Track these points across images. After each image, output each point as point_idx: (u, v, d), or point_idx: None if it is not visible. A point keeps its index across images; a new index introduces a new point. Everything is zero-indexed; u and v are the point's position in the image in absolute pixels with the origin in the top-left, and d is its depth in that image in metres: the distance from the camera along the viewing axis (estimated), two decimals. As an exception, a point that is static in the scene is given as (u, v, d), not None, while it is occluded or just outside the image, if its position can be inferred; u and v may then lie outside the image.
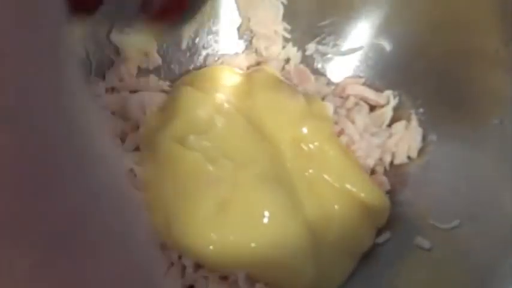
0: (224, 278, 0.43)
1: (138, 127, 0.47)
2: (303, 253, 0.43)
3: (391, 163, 0.50)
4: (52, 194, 0.15)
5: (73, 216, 0.16)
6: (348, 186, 0.47)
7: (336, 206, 0.46)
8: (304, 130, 0.48)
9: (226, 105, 0.48)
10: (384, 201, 0.47)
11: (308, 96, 0.50)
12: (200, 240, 0.42)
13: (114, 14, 0.26)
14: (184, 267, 0.43)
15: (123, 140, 0.47)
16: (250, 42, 0.53)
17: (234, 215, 0.42)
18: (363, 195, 0.46)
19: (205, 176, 0.43)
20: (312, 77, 0.53)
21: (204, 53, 0.52)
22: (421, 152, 0.49)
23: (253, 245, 0.42)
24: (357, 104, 0.52)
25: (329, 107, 0.51)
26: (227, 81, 0.50)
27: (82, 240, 0.16)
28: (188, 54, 0.52)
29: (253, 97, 0.49)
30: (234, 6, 0.53)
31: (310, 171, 0.47)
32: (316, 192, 0.46)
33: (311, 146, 0.47)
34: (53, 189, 0.15)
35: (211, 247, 0.42)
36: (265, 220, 0.43)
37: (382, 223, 0.47)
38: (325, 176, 0.47)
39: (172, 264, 0.43)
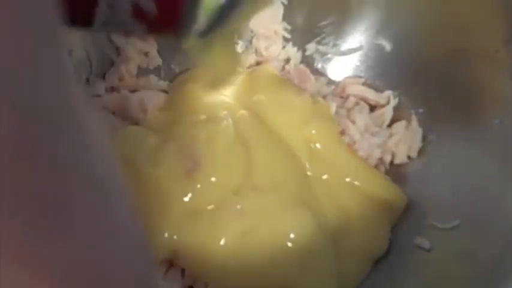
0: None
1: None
2: (330, 273, 0.43)
3: (391, 163, 0.50)
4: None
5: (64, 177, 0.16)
6: (365, 185, 0.46)
7: (355, 209, 0.46)
8: (313, 130, 0.48)
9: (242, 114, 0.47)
10: (401, 195, 0.47)
11: (311, 95, 0.50)
12: (222, 271, 0.41)
13: (109, 26, 0.27)
14: (183, 269, 0.43)
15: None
16: (250, 42, 0.53)
17: (258, 241, 0.42)
18: (381, 191, 0.46)
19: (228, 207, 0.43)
20: (312, 77, 0.53)
21: (204, 53, 0.52)
22: (421, 152, 0.49)
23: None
24: (357, 104, 0.52)
25: (332, 106, 0.51)
26: (229, 78, 0.50)
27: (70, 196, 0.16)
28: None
29: (259, 95, 0.49)
30: (234, 6, 0.53)
31: (326, 176, 0.47)
32: (335, 197, 0.46)
33: (319, 146, 0.47)
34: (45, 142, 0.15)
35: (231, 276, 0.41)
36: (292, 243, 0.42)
37: (396, 219, 0.47)
38: (342, 179, 0.47)
39: (171, 265, 0.43)
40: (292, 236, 0.42)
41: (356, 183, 0.47)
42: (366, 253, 0.45)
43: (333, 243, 0.44)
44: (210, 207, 0.42)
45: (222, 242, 0.41)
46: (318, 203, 0.45)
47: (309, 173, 0.46)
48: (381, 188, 0.47)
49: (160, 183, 0.42)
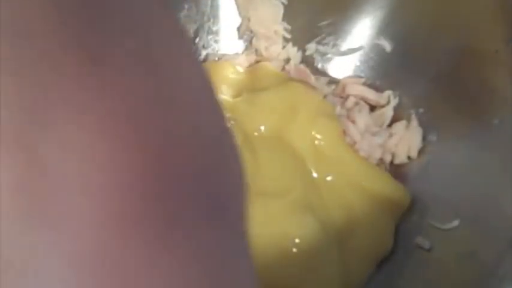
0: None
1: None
2: (334, 278, 0.43)
3: (391, 163, 0.50)
4: None
5: None
6: (370, 184, 0.46)
7: (360, 209, 0.46)
8: (318, 129, 0.48)
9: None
10: (405, 192, 0.47)
11: (317, 92, 0.50)
12: None
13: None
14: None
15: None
16: (250, 42, 0.53)
17: (263, 247, 0.41)
18: (386, 190, 0.46)
19: None
20: (312, 77, 0.53)
21: (204, 53, 0.52)
22: (421, 152, 0.49)
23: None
24: (356, 103, 0.52)
25: (333, 105, 0.51)
26: (230, 77, 0.50)
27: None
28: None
29: (262, 93, 0.49)
30: (234, 6, 0.53)
31: (330, 177, 0.46)
32: (340, 198, 0.46)
33: (324, 145, 0.47)
34: None
35: None
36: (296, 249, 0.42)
37: (400, 217, 0.47)
38: (347, 179, 0.46)
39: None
40: (297, 241, 0.42)
41: (361, 182, 0.47)
42: (372, 253, 0.45)
43: (337, 247, 0.44)
44: None
45: None
46: (323, 205, 0.45)
47: (314, 174, 0.46)
48: (385, 186, 0.47)
49: None
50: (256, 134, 0.46)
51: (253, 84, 0.50)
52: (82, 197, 0.11)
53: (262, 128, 0.47)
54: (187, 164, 0.13)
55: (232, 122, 0.45)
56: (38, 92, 0.11)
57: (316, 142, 0.47)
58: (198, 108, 0.14)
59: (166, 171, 0.12)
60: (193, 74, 0.14)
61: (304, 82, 0.52)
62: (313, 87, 0.51)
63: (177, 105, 0.13)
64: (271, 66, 0.52)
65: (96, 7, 0.12)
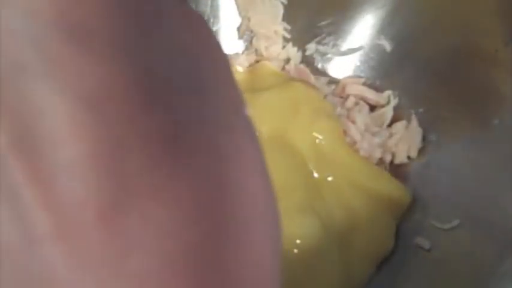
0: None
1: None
2: (336, 279, 0.43)
3: (391, 163, 0.50)
4: None
5: None
6: (371, 184, 0.46)
7: (361, 209, 0.45)
8: (319, 129, 0.48)
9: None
10: (406, 191, 0.47)
11: (318, 91, 0.50)
12: None
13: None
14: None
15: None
16: (250, 42, 0.53)
17: None
18: (387, 189, 0.46)
19: None
20: (312, 77, 0.53)
21: (204, 53, 0.52)
22: (421, 152, 0.49)
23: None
24: (356, 103, 0.52)
25: (333, 105, 0.51)
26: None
27: None
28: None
29: (263, 93, 0.49)
30: (234, 6, 0.53)
31: (331, 177, 0.46)
32: (341, 198, 0.46)
33: (324, 145, 0.47)
34: None
35: None
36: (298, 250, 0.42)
37: (400, 216, 0.47)
38: (348, 179, 0.46)
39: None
40: (298, 242, 0.42)
41: (362, 182, 0.46)
42: (373, 253, 0.45)
43: (339, 247, 0.44)
44: None
45: None
46: (324, 205, 0.45)
47: (315, 175, 0.46)
48: (386, 185, 0.47)
49: None
50: (257, 134, 0.46)
51: (253, 84, 0.50)
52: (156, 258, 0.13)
53: (264, 128, 0.47)
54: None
55: None
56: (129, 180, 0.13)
57: (317, 142, 0.47)
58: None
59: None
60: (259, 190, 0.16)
61: (305, 81, 0.52)
62: (314, 87, 0.51)
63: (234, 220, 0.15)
64: (271, 66, 0.52)
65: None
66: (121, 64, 0.13)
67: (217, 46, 0.16)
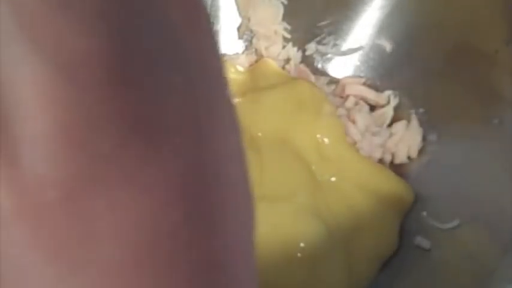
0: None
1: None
2: (340, 281, 0.43)
3: (391, 163, 0.50)
4: None
5: None
6: (374, 183, 0.46)
7: (365, 209, 0.45)
8: (322, 128, 0.47)
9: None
10: (409, 189, 0.47)
11: (321, 90, 0.50)
12: None
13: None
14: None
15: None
16: (250, 42, 0.53)
17: (268, 251, 0.41)
18: (390, 187, 0.46)
19: None
20: (312, 77, 0.53)
21: (204, 53, 0.52)
22: (421, 151, 0.49)
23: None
24: (356, 103, 0.52)
25: (333, 105, 0.51)
26: (232, 77, 0.50)
27: None
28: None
29: (265, 92, 0.49)
30: (234, 6, 0.53)
31: (335, 177, 0.46)
32: (345, 199, 0.46)
33: (327, 145, 0.47)
34: None
35: None
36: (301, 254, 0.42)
37: (404, 215, 0.47)
38: (351, 179, 0.46)
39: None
40: (302, 244, 0.42)
41: (365, 181, 0.46)
42: (377, 253, 0.45)
43: (343, 248, 0.43)
44: None
45: None
46: (328, 206, 0.45)
47: (318, 176, 0.46)
48: (389, 183, 0.47)
49: None
50: (260, 134, 0.46)
51: (255, 83, 0.50)
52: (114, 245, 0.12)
53: (267, 127, 0.47)
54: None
55: None
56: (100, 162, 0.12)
57: (320, 142, 0.47)
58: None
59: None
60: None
61: (309, 80, 0.52)
62: (317, 86, 0.52)
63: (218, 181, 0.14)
64: (273, 62, 0.52)
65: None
66: (101, 35, 0.12)
67: (206, 29, 0.15)
